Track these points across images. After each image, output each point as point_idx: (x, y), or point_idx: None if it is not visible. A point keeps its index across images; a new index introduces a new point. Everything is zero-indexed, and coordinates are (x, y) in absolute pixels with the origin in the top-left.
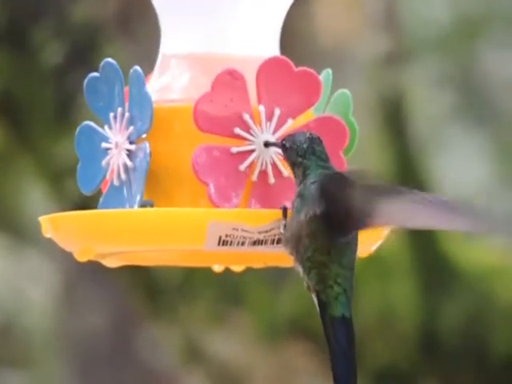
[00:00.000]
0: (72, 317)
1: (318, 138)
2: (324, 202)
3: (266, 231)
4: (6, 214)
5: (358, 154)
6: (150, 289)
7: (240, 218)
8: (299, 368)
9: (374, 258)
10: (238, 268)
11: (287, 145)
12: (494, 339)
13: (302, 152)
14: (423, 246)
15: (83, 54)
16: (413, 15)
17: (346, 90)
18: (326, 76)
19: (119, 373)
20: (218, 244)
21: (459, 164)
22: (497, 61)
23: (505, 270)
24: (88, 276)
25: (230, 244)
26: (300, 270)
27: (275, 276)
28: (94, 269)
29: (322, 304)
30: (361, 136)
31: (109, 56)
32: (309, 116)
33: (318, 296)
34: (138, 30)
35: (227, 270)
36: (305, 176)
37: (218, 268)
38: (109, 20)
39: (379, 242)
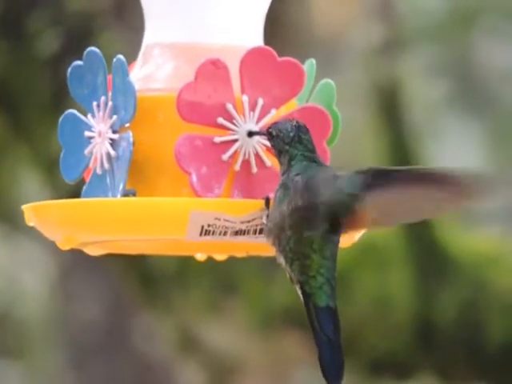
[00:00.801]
0: (67, 306)
1: (305, 126)
2: (307, 198)
3: (249, 221)
4: (1, 202)
5: (354, 143)
6: (145, 278)
7: (222, 208)
8: (293, 357)
9: (370, 247)
10: (220, 257)
11: (274, 132)
12: (489, 328)
13: (288, 140)
14: (419, 234)
15: (79, 43)
16: (408, 4)
17: (329, 80)
18: (309, 66)
19: (114, 362)
20: (201, 234)
21: (454, 152)
22: (491, 50)
23: (500, 259)
24: (83, 265)
25: (212, 234)
26: (282, 260)
27: (269, 265)
28: (90, 258)
29: (306, 295)
30: (356, 125)
31: (104, 44)
32: (292, 106)
33: (301, 287)
34: (134, 18)
35: (222, 260)
36: (290, 166)
37: (200, 257)
38: (104, 8)
39: (362, 232)
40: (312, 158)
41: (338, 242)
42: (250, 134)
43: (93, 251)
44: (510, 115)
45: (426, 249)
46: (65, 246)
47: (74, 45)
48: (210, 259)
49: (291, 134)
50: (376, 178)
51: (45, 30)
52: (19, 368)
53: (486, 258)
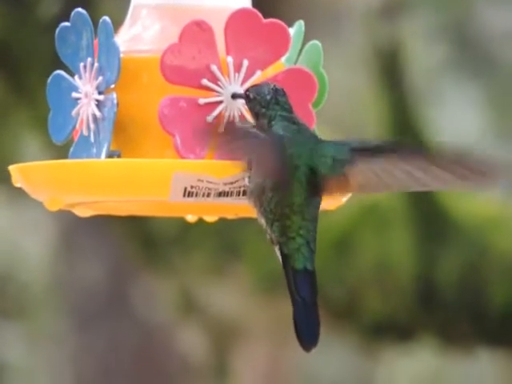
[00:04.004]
0: (68, 269)
1: (282, 89)
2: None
3: (232, 183)
4: (3, 165)
5: (355, 106)
6: (147, 241)
7: (205, 170)
8: None
9: (371, 210)
10: (210, 218)
11: (251, 95)
12: (490, 290)
13: (265, 103)
14: (420, 197)
15: (80, 6)
16: None
17: (316, 42)
18: (298, 27)
19: (115, 325)
20: (184, 195)
21: (454, 115)
22: (492, 13)
23: (501, 222)
24: (85, 228)
25: (196, 195)
26: (263, 222)
27: None
28: (91, 221)
29: (284, 256)
30: (357, 88)
31: (105, 8)
32: (279, 67)
33: (280, 248)
34: None
35: (223, 222)
36: (269, 127)
37: (191, 218)
38: None
39: (349, 195)
40: (291, 118)
41: (319, 203)
42: (232, 96)
43: (81, 212)
44: (510, 79)
45: (427, 211)
46: (52, 207)
47: (76, 8)
48: (211, 222)
49: (268, 97)
50: (363, 148)
51: None
52: (21, 331)
53: (487, 220)
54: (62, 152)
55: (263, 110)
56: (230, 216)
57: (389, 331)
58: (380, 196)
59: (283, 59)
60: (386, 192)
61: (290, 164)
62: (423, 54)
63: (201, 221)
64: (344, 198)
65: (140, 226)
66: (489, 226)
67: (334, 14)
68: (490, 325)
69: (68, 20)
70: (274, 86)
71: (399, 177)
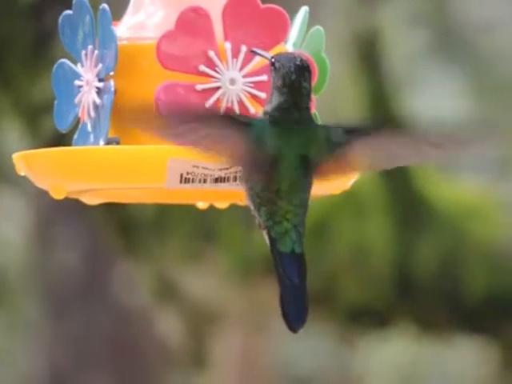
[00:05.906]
0: (45, 255)
1: (308, 67)
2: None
3: (227, 168)
4: None
5: (334, 92)
6: (124, 226)
7: (199, 155)
8: (273, 306)
9: (349, 196)
10: (221, 205)
11: (276, 65)
12: (468, 277)
13: (289, 81)
14: (398, 183)
15: None
16: None
17: (319, 27)
18: (303, 13)
19: (92, 310)
20: (180, 182)
21: (433, 101)
22: (470, 0)
23: (480, 209)
24: (62, 214)
25: (192, 181)
26: (251, 205)
27: (250, 214)
28: (68, 206)
29: (271, 240)
30: (336, 74)
31: None
32: (280, 52)
33: (268, 232)
34: None
35: (203, 208)
36: (271, 105)
37: (202, 205)
38: None
39: (354, 179)
40: (298, 108)
41: (310, 188)
42: (253, 51)
43: (89, 200)
44: (488, 65)
45: (406, 198)
46: (57, 196)
47: None
48: (189, 207)
49: (293, 77)
50: (355, 129)
51: None
52: None
53: (466, 207)
54: (40, 138)
55: (284, 89)
56: (240, 202)
57: (366, 318)
58: (358, 182)
59: (290, 44)
60: (381, 168)
61: (276, 154)
62: (402, 40)
63: (177, 206)
64: (349, 183)
65: (117, 211)
66: (467, 213)
67: (314, 1)
68: (467, 312)
69: (49, 5)
70: (301, 61)
71: (389, 153)
